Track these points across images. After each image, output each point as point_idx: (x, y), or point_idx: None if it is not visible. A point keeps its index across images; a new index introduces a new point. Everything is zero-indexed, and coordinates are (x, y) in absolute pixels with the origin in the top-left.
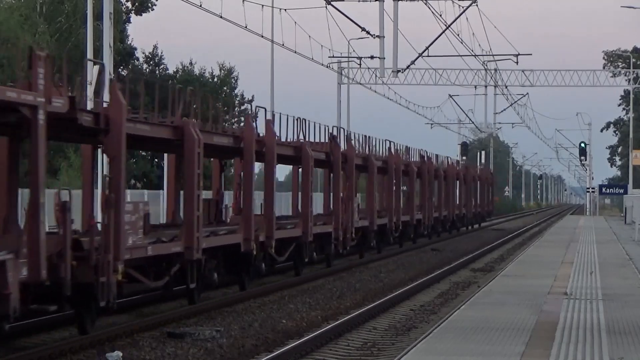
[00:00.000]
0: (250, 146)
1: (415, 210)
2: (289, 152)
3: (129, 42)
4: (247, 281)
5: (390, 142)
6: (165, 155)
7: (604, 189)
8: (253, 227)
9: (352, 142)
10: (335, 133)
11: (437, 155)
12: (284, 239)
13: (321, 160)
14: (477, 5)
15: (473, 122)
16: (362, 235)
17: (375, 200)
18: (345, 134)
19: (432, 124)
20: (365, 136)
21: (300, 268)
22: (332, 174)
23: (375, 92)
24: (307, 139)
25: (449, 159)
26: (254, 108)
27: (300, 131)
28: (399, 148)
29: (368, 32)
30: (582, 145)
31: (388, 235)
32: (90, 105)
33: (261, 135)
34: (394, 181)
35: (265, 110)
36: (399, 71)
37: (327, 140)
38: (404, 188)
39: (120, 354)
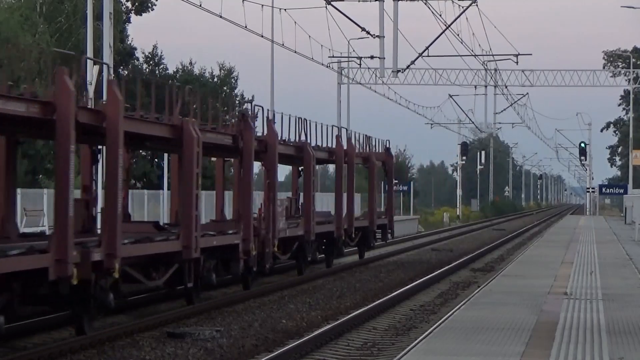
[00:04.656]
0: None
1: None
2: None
3: (129, 42)
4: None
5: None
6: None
7: (604, 189)
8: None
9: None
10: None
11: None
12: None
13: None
14: (477, 5)
15: (473, 122)
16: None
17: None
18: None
19: (432, 124)
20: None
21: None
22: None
23: (375, 92)
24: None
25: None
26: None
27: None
28: None
29: (368, 32)
30: (582, 145)
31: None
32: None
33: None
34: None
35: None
36: (399, 71)
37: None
38: None
39: None
